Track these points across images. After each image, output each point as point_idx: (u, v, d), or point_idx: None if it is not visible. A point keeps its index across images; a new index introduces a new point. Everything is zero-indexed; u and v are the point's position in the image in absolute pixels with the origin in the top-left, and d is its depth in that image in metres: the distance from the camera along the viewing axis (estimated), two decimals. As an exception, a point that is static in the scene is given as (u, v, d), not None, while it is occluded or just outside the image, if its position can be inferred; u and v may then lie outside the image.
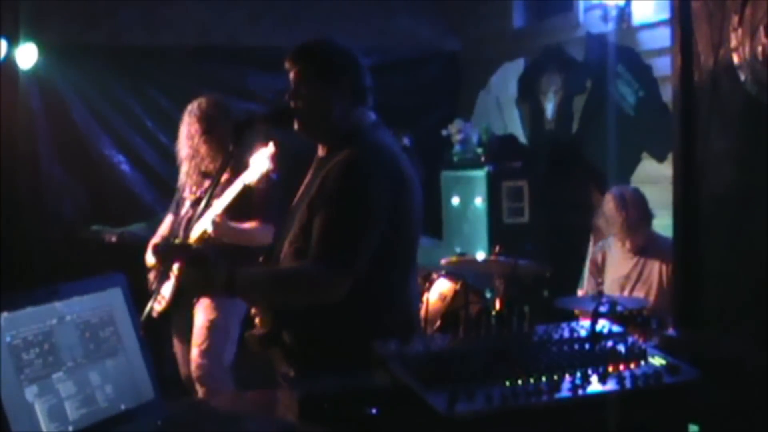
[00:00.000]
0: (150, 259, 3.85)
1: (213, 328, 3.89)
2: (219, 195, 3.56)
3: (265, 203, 3.76)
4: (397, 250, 2.45)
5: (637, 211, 4.18)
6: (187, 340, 3.99)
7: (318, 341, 2.39)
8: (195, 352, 3.92)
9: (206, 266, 2.28)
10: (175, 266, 2.71)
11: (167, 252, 2.46)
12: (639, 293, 4.18)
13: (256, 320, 2.55)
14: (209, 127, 3.95)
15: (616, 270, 4.32)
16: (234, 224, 3.71)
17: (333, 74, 2.46)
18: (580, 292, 4.62)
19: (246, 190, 3.44)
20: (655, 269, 4.18)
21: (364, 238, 2.34)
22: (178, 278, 3.22)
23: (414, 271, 2.59)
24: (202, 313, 3.91)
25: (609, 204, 4.23)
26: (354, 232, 2.33)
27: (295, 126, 2.50)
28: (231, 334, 3.92)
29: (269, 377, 2.60)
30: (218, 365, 3.92)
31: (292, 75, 2.50)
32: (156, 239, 4.00)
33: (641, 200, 4.23)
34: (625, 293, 4.19)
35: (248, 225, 3.79)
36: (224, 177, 3.63)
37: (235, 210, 3.61)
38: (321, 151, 2.55)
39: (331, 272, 2.31)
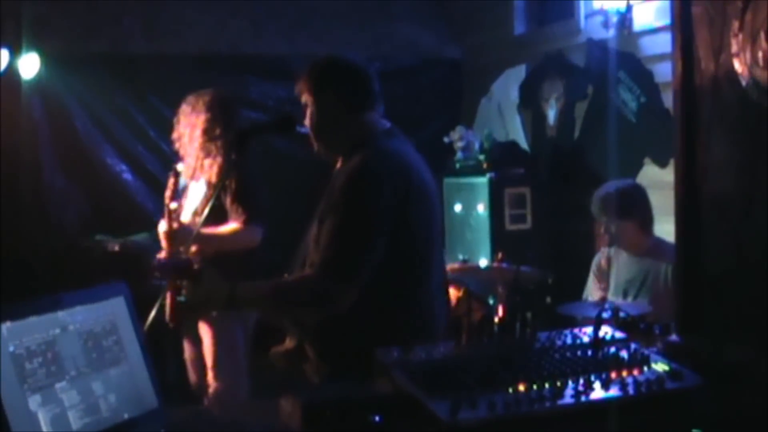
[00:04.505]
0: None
1: (221, 346, 3.83)
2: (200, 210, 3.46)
3: (243, 204, 3.68)
4: (410, 257, 2.44)
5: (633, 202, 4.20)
6: (198, 344, 3.93)
7: (339, 352, 2.38)
8: (211, 376, 3.87)
9: (204, 285, 2.29)
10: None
11: (165, 270, 2.48)
12: (644, 298, 4.17)
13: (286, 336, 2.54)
14: (230, 118, 3.89)
15: (621, 274, 4.31)
16: (208, 231, 3.56)
17: (323, 87, 2.48)
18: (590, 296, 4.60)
19: (219, 193, 3.38)
20: (660, 274, 4.18)
21: (366, 247, 2.32)
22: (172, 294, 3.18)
23: (434, 276, 2.55)
24: (207, 333, 3.86)
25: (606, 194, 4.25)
26: (356, 242, 2.32)
27: (314, 145, 2.53)
28: (240, 344, 3.87)
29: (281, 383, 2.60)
30: (237, 381, 3.86)
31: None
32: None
33: (641, 195, 4.24)
34: (630, 298, 4.18)
35: (226, 228, 3.68)
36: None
37: (212, 216, 3.43)
38: (338, 163, 2.55)
39: (333, 283, 2.30)
